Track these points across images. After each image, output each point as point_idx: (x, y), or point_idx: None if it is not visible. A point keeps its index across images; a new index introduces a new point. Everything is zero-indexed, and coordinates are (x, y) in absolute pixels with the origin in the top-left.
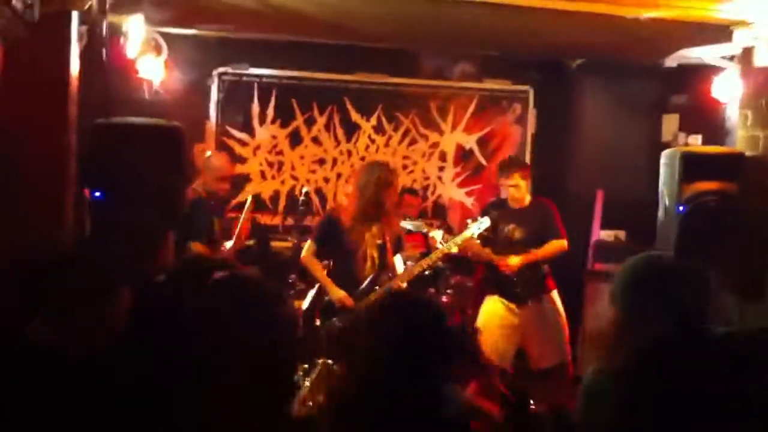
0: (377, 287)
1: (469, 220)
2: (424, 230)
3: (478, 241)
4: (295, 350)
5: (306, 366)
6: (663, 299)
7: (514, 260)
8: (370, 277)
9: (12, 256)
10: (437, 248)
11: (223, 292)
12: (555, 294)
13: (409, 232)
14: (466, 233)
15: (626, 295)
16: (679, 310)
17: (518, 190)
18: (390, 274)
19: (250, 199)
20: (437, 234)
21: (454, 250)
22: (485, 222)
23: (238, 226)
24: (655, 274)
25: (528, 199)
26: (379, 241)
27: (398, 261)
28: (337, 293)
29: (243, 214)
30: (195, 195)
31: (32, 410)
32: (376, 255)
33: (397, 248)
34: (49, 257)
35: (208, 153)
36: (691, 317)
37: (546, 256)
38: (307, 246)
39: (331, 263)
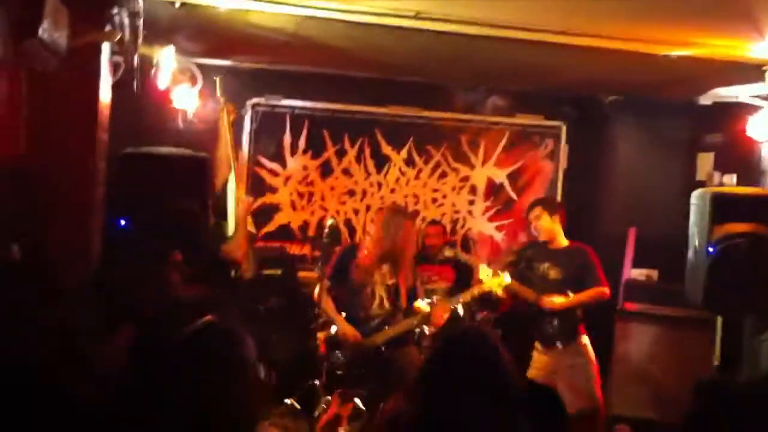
0: (387, 327)
1: (488, 274)
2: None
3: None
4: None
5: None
6: None
7: (558, 300)
8: (382, 316)
9: (41, 281)
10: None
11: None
12: (585, 339)
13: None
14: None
15: None
16: None
17: (541, 223)
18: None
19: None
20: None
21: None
22: (506, 278)
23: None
24: None
25: (564, 241)
26: (389, 282)
27: (423, 305)
28: (345, 328)
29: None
30: None
31: None
32: (384, 295)
33: (412, 297)
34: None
35: None
36: None
37: (587, 301)
38: (320, 285)
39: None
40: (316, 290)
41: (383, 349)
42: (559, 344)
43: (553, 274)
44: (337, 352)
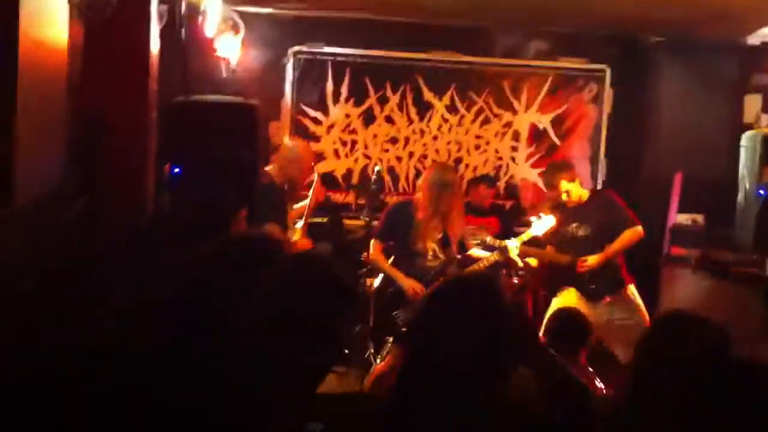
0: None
1: (533, 219)
2: (495, 244)
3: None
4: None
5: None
6: None
7: (592, 259)
8: (437, 268)
9: (96, 226)
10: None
11: (293, 271)
12: (632, 288)
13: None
14: (531, 232)
15: None
16: None
17: (571, 192)
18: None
19: (316, 177)
20: (511, 244)
21: (515, 253)
22: (550, 221)
23: (306, 208)
24: None
25: (585, 194)
26: (439, 235)
27: (477, 252)
28: (408, 281)
29: (309, 195)
30: (269, 180)
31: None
32: (437, 248)
33: (461, 249)
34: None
35: (289, 143)
36: None
37: (623, 249)
38: (372, 244)
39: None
40: (370, 251)
41: None
42: (607, 298)
43: (582, 231)
44: (399, 311)
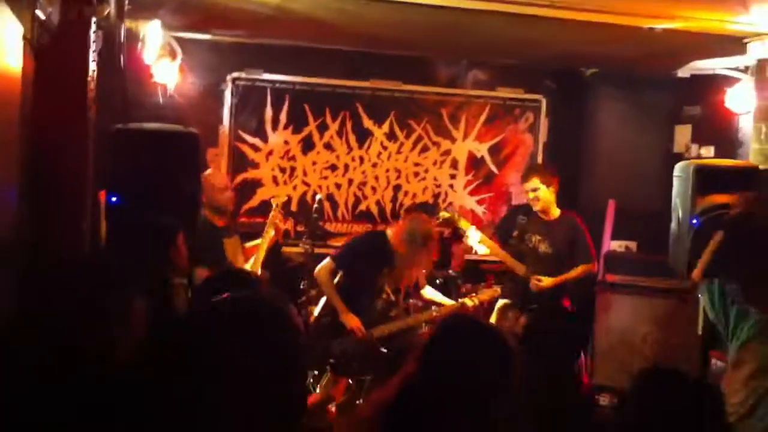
0: (389, 319)
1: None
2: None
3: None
4: (301, 372)
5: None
6: None
7: (547, 281)
8: (380, 308)
9: (30, 257)
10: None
11: (221, 316)
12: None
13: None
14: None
15: None
16: None
17: (537, 195)
18: (404, 308)
19: (273, 210)
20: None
21: (470, 303)
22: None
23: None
24: None
25: (556, 212)
26: (399, 281)
27: (430, 291)
28: (352, 320)
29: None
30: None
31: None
32: (390, 292)
33: (416, 288)
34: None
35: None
36: None
37: (574, 279)
38: (325, 264)
39: (342, 278)
40: (318, 269)
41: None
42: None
43: (543, 248)
44: (337, 341)
